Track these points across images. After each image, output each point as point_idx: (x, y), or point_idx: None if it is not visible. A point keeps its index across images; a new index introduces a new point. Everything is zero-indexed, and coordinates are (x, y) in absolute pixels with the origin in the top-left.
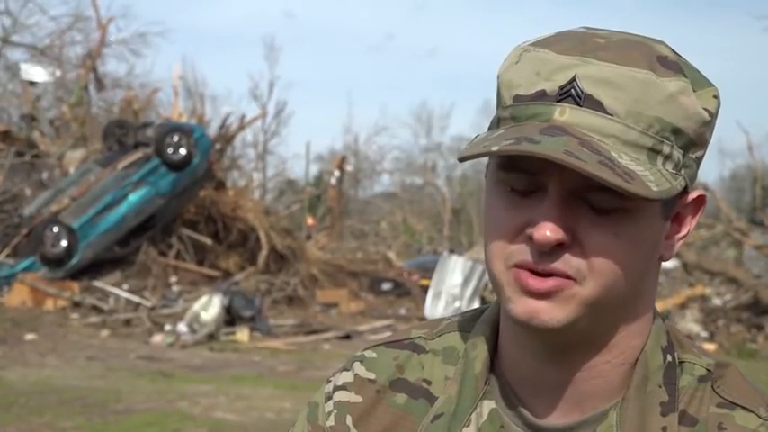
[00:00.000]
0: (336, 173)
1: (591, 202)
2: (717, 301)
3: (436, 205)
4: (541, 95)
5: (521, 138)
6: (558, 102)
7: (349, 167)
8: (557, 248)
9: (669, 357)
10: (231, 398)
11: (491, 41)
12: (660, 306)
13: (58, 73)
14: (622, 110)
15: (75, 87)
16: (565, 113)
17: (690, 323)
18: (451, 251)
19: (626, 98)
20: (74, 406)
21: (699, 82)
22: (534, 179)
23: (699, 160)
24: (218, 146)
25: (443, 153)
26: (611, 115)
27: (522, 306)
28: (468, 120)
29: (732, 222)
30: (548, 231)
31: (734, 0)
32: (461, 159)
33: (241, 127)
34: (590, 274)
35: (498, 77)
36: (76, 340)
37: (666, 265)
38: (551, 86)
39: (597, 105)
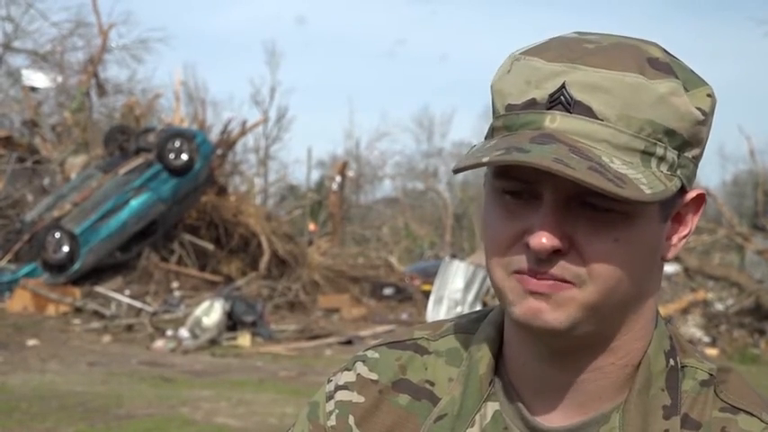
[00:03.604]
0: (338, 178)
1: (590, 203)
2: (719, 306)
3: (438, 210)
4: (532, 104)
5: (511, 147)
6: (549, 109)
7: (350, 173)
8: (554, 255)
9: (672, 361)
10: (233, 403)
11: (501, 47)
12: (662, 311)
13: (60, 79)
14: (613, 114)
15: (76, 93)
16: (555, 121)
17: (692, 328)
18: (453, 256)
19: (616, 102)
20: (75, 411)
21: (692, 81)
22: (530, 187)
23: (696, 159)
24: (219, 151)
25: (445, 158)
26: (602, 120)
27: (524, 306)
28: (469, 125)
29: (734, 227)
30: (543, 239)
31: (737, 4)
32: (456, 171)
33: (242, 132)
34: (590, 279)
35: (492, 87)
36: (78, 346)
37: (668, 269)
38: (541, 94)
39: (587, 111)
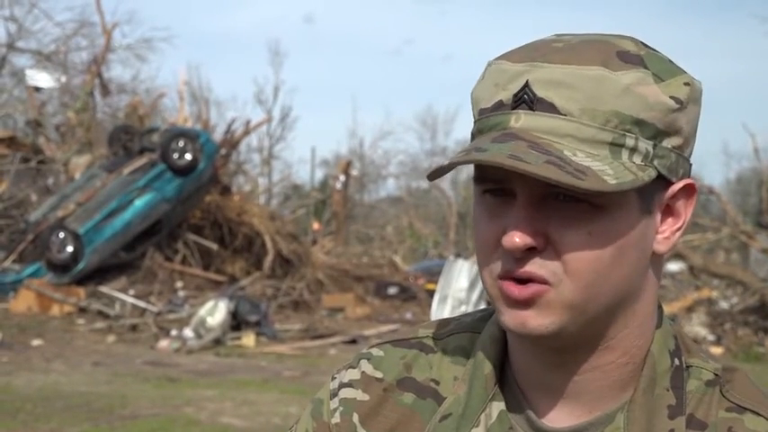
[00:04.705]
0: (342, 177)
1: (563, 198)
2: (723, 305)
3: (442, 209)
4: (499, 105)
5: (471, 149)
6: (514, 109)
7: (354, 172)
8: (530, 253)
9: (676, 361)
10: (237, 403)
11: (506, 47)
12: (666, 309)
13: (64, 79)
14: (576, 108)
15: (80, 93)
16: (520, 120)
17: (696, 327)
18: (457, 255)
19: (579, 96)
20: (80, 412)
21: (667, 71)
22: (504, 188)
23: (679, 149)
24: (223, 151)
25: (449, 157)
26: (565, 115)
27: (510, 317)
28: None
29: (738, 225)
30: (516, 238)
31: (740, 2)
32: (430, 179)
33: (246, 132)
34: (566, 275)
35: (470, 96)
36: (82, 346)
37: (673, 268)
38: (507, 95)
39: (550, 107)
